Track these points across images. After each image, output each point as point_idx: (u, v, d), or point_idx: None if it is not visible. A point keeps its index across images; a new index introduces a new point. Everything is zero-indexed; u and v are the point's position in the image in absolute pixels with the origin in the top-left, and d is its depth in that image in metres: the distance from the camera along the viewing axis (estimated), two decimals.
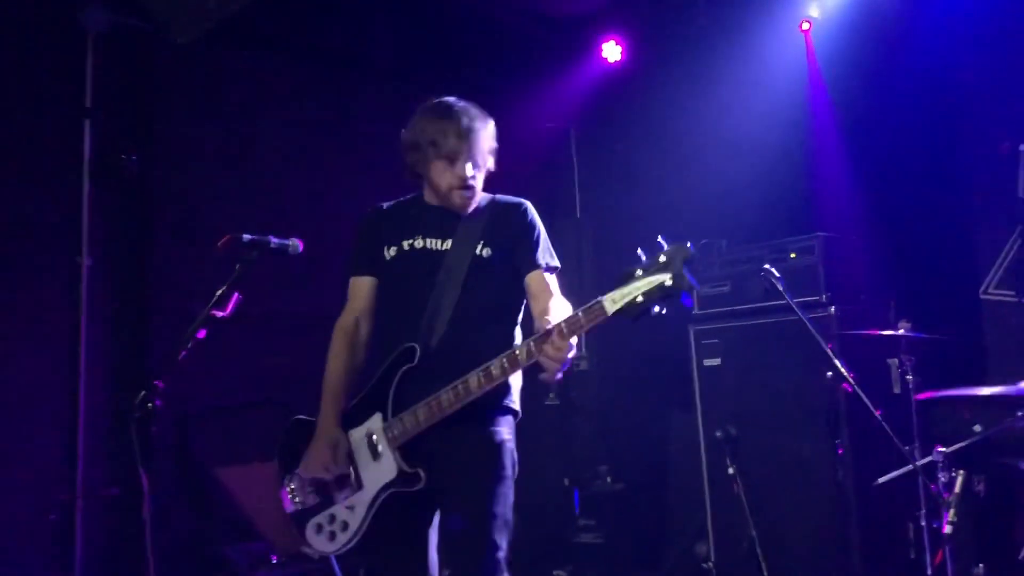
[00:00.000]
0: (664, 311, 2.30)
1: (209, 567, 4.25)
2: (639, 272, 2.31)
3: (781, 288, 3.63)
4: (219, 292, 2.66)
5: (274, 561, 4.33)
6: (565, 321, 2.42)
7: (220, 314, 2.66)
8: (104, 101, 4.44)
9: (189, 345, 2.62)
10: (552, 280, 2.80)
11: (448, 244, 2.78)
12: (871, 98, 4.90)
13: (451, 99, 2.82)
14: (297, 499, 2.80)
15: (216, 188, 4.80)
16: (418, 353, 2.65)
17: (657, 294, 2.28)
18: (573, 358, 2.47)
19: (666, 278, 2.27)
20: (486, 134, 2.80)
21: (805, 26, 5.23)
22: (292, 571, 4.34)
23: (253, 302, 2.76)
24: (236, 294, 2.68)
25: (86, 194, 4.34)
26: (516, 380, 2.74)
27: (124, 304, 4.45)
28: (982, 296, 4.69)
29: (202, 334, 2.65)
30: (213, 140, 4.85)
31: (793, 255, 4.59)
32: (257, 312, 3.16)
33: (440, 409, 2.57)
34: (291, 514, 2.81)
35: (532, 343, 2.47)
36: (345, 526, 2.69)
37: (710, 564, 4.60)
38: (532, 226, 2.83)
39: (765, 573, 4.19)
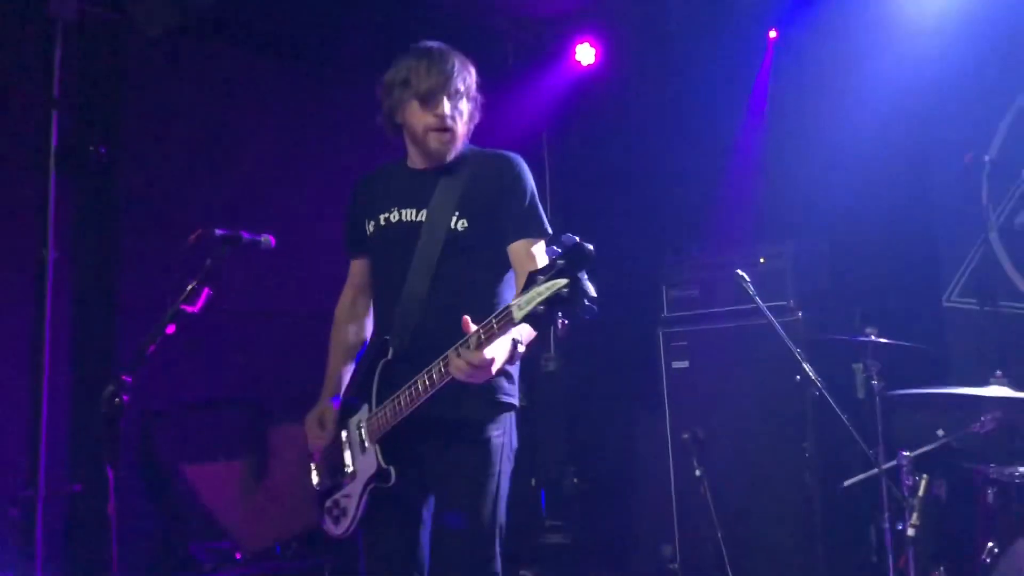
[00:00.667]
0: (567, 321, 2.19)
1: (173, 565, 4.21)
2: (541, 277, 2.16)
3: (752, 292, 3.66)
4: (189, 287, 2.63)
5: (238, 559, 4.30)
6: (482, 326, 2.30)
7: (190, 309, 2.64)
8: (72, 92, 4.39)
9: (158, 340, 2.60)
10: (538, 250, 2.62)
11: (423, 215, 2.66)
12: (840, 107, 4.96)
13: (431, 41, 2.70)
14: (318, 479, 2.83)
15: (186, 182, 4.75)
16: (390, 347, 2.62)
17: (557, 303, 2.13)
18: (506, 364, 2.39)
19: (563, 285, 2.12)
20: (467, 74, 2.65)
21: (773, 34, 5.29)
22: (256, 569, 4.32)
23: (223, 298, 2.74)
24: (206, 290, 2.66)
25: (52, 186, 4.28)
26: (514, 372, 2.65)
27: (90, 298, 4.40)
28: (945, 304, 4.78)
29: (171, 329, 2.62)
30: (184, 133, 4.81)
31: (762, 260, 4.64)
32: (227, 308, 3.15)
33: (401, 408, 2.53)
34: (316, 494, 2.83)
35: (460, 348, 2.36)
36: (345, 512, 2.70)
37: (675, 565, 4.63)
38: (515, 187, 2.64)
39: (730, 574, 4.23)
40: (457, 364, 2.33)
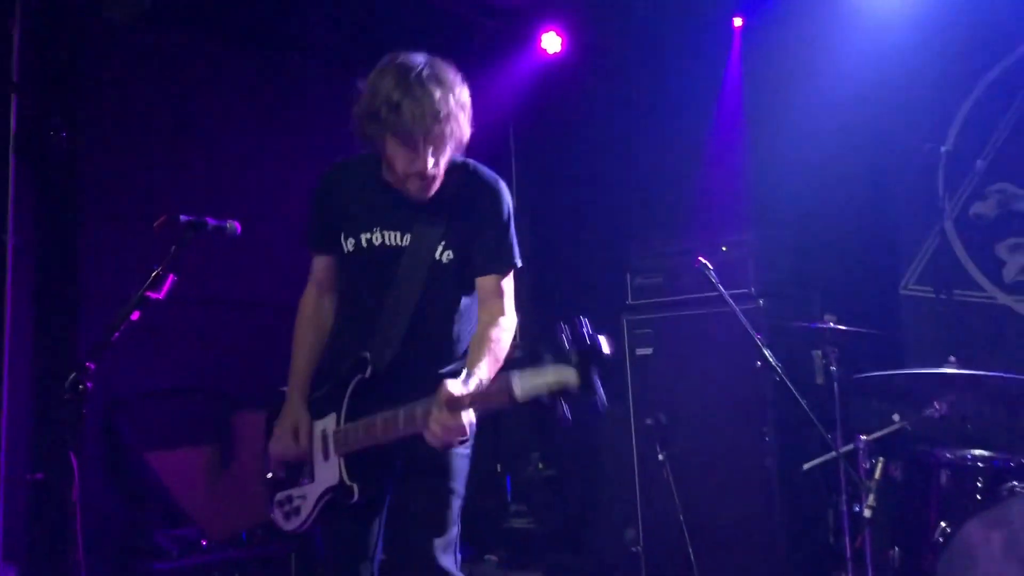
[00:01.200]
0: (569, 417, 2.19)
1: (137, 553, 4.19)
2: (549, 358, 2.17)
3: (715, 279, 3.71)
4: (154, 273, 2.61)
5: (204, 546, 4.30)
6: (471, 394, 2.30)
7: (155, 296, 2.62)
8: (32, 76, 4.32)
9: (122, 327, 2.58)
10: (506, 286, 2.63)
11: (407, 240, 2.61)
12: (805, 99, 5.04)
13: (420, 62, 2.44)
14: (271, 470, 2.78)
15: (151, 167, 4.71)
16: (369, 367, 2.57)
17: (562, 395, 2.16)
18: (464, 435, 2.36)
19: (573, 381, 2.13)
20: (458, 110, 2.45)
21: (738, 22, 5.34)
22: (222, 556, 4.31)
23: (187, 285, 2.72)
24: (171, 276, 2.64)
25: (12, 171, 4.22)
26: None
27: (52, 285, 4.34)
28: (902, 292, 4.88)
29: (136, 316, 2.60)
30: (147, 119, 4.76)
31: (724, 248, 4.70)
32: (191, 296, 3.13)
33: (377, 433, 2.50)
34: (267, 483, 2.79)
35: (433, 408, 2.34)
36: (298, 511, 2.67)
37: (639, 548, 4.69)
38: (494, 219, 2.62)
39: (692, 557, 4.30)
40: (434, 431, 2.33)
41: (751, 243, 4.68)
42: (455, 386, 2.33)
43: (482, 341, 2.54)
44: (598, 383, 2.16)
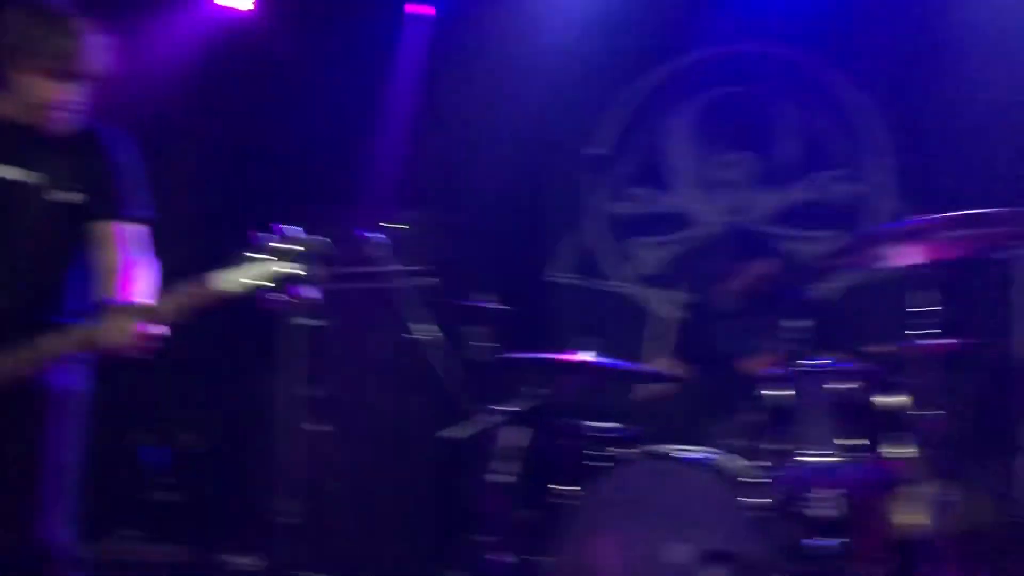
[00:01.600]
0: (288, 298, 2.30)
1: None
2: (255, 257, 2.26)
3: (383, 255, 3.82)
4: None
5: None
6: (172, 300, 2.32)
7: None
8: None
9: None
10: (125, 230, 2.55)
11: (29, 177, 2.47)
12: (479, 88, 5.31)
13: (57, 1, 2.46)
14: None
15: None
16: None
17: (284, 281, 2.28)
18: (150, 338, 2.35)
19: (280, 272, 2.25)
20: (103, 50, 2.47)
21: (423, 10, 5.47)
22: None
23: None
24: None
25: None
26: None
27: None
28: (553, 278, 5.32)
29: None
30: None
31: (396, 226, 4.83)
32: None
33: (12, 369, 2.34)
34: None
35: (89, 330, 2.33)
36: None
37: (294, 519, 4.69)
38: (117, 164, 2.56)
39: (349, 524, 4.39)
40: (124, 328, 2.29)
41: (422, 223, 4.86)
42: (142, 297, 2.35)
43: (112, 272, 2.49)
44: (313, 270, 2.28)
